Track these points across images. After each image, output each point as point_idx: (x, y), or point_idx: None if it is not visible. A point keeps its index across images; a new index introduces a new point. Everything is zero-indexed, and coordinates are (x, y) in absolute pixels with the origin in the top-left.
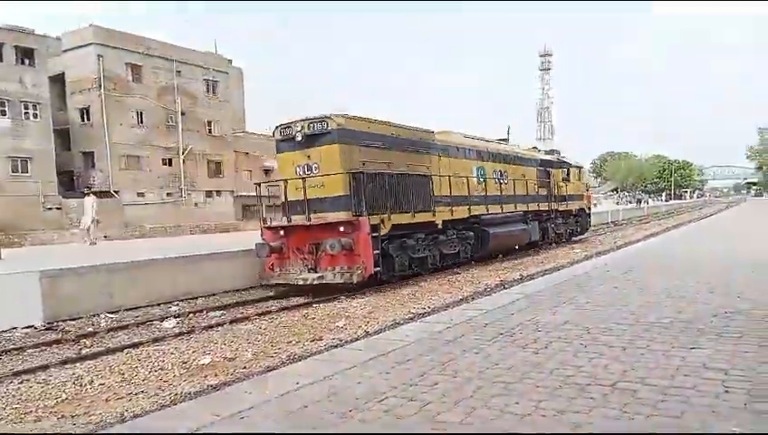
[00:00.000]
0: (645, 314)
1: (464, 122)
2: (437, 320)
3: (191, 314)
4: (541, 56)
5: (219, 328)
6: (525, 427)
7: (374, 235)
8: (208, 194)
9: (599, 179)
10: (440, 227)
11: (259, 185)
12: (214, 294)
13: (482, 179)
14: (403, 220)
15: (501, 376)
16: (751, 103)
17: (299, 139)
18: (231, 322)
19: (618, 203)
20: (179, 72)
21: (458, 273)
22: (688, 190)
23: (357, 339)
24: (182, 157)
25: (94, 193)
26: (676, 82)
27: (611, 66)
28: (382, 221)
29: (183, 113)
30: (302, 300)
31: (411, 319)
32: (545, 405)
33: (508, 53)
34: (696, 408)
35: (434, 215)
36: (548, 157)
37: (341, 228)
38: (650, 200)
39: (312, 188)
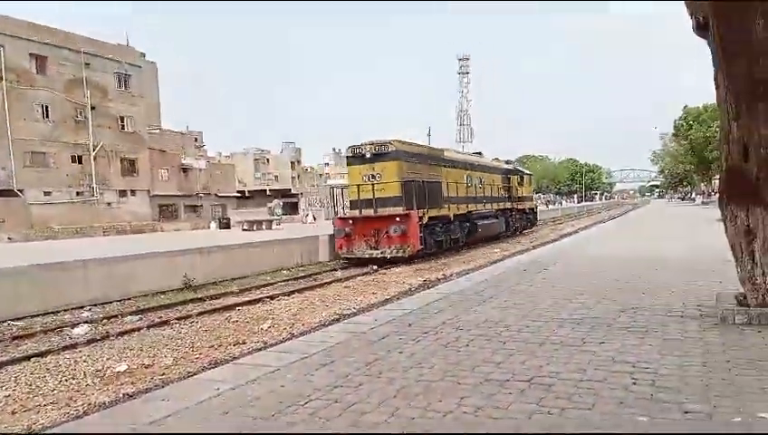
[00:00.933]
0: (559, 311)
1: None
2: (363, 321)
3: (105, 320)
4: (459, 60)
5: (136, 333)
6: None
7: (419, 223)
8: (122, 193)
9: None
10: (452, 218)
11: (332, 188)
12: (130, 298)
13: (470, 185)
14: (433, 214)
15: (424, 375)
16: (659, 109)
17: (367, 156)
18: (149, 327)
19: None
20: (88, 64)
21: (384, 274)
22: (598, 192)
23: (282, 341)
24: (93, 154)
25: None
26: (592, 90)
27: (528, 75)
28: (423, 214)
29: (93, 108)
30: (226, 302)
31: (337, 320)
32: (466, 402)
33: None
34: (606, 399)
35: (448, 210)
36: (507, 166)
37: (398, 219)
38: (563, 202)
39: (375, 191)
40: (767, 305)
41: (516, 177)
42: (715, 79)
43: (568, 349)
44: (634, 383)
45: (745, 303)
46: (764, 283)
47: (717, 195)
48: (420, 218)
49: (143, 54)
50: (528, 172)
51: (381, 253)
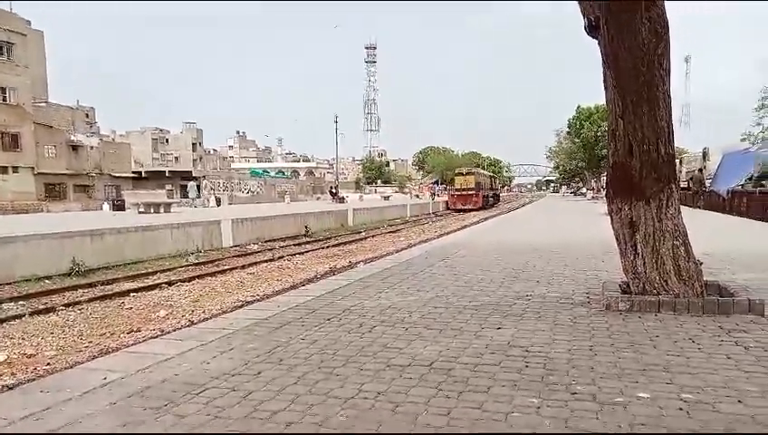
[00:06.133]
0: (459, 298)
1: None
2: (265, 307)
3: None
4: (366, 48)
5: (17, 321)
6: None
7: (482, 196)
8: (2, 170)
9: (421, 172)
10: (484, 196)
11: (437, 182)
12: (11, 283)
13: (484, 182)
14: (484, 194)
15: (326, 361)
16: (558, 106)
17: (464, 172)
18: (32, 313)
19: (438, 195)
20: None
21: (289, 260)
22: (499, 186)
23: (180, 329)
24: None
25: None
26: (493, 90)
27: (434, 69)
28: (484, 192)
29: None
30: (120, 288)
31: (239, 307)
32: (368, 387)
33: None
34: (501, 382)
35: (483, 192)
36: (488, 172)
37: (474, 194)
38: None
39: (465, 185)
40: (647, 293)
41: (492, 177)
42: (604, 79)
43: (467, 334)
44: (527, 367)
45: (628, 290)
46: (645, 272)
47: (605, 190)
48: (482, 195)
49: (29, 22)
50: (495, 175)
51: (466, 206)
